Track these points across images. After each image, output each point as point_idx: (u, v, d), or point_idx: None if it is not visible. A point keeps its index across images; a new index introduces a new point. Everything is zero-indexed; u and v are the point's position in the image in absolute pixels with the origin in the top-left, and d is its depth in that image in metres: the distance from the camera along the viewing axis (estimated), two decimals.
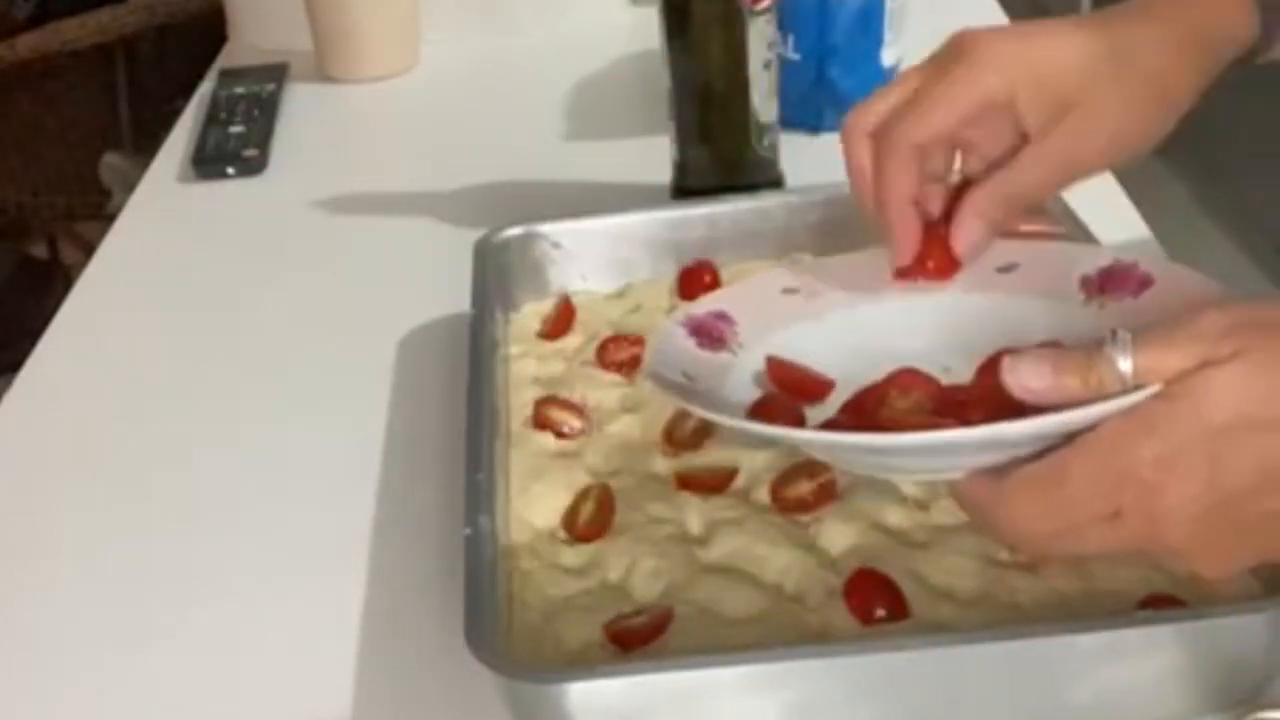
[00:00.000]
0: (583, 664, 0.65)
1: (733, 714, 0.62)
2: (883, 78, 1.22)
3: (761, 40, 1.01)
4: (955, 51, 0.69)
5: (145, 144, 1.82)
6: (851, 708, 0.62)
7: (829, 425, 0.67)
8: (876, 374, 0.70)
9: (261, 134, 1.31)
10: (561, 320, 0.92)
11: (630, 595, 0.69)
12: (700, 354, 0.70)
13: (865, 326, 0.73)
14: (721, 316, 0.73)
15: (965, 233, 0.71)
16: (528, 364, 0.88)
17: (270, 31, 1.54)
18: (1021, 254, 0.74)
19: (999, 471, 0.57)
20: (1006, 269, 0.74)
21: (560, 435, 0.81)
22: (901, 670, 0.61)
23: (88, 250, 1.20)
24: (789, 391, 0.70)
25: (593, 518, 0.74)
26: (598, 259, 0.95)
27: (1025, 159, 0.69)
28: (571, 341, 0.90)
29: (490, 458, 0.74)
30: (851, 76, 1.19)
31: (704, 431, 0.78)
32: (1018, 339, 0.66)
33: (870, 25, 1.19)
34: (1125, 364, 0.55)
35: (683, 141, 1.05)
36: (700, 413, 0.64)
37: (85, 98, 2.67)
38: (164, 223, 1.24)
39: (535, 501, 0.75)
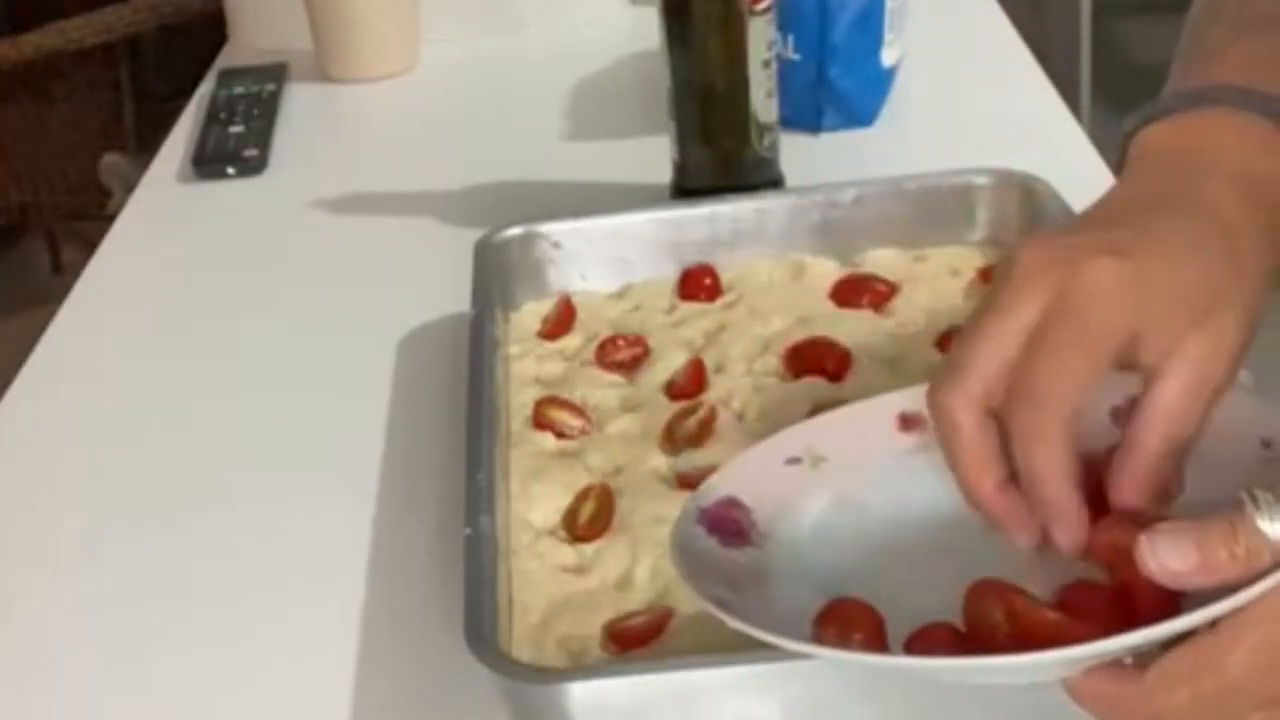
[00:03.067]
0: (583, 664, 0.65)
1: (733, 714, 0.62)
2: (883, 77, 1.22)
3: (761, 40, 1.01)
4: (1057, 289, 0.57)
5: (148, 143, 1.82)
6: (851, 708, 0.62)
7: (921, 642, 0.59)
8: (919, 552, 0.63)
9: (261, 134, 1.31)
10: (561, 320, 0.91)
11: (630, 595, 0.69)
12: (728, 554, 0.63)
13: (886, 497, 0.66)
14: (733, 504, 0.65)
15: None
16: (528, 364, 0.88)
17: (270, 31, 1.54)
18: None
19: (1124, 663, 0.52)
20: None
21: (560, 435, 0.81)
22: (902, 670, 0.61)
23: (88, 250, 1.20)
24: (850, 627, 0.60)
25: (593, 518, 0.74)
26: (598, 259, 0.95)
27: (1161, 392, 0.57)
28: (571, 341, 0.90)
29: (490, 458, 0.74)
30: (851, 76, 1.19)
31: (704, 431, 0.78)
32: None
33: (870, 25, 1.19)
34: (1273, 530, 0.50)
35: (683, 141, 1.05)
36: (785, 644, 0.55)
37: (88, 97, 2.67)
38: (164, 223, 1.24)
39: (535, 501, 0.75)
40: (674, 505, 0.74)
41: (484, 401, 0.79)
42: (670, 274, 0.94)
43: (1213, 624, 0.51)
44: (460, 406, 0.79)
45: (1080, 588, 0.59)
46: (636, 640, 0.66)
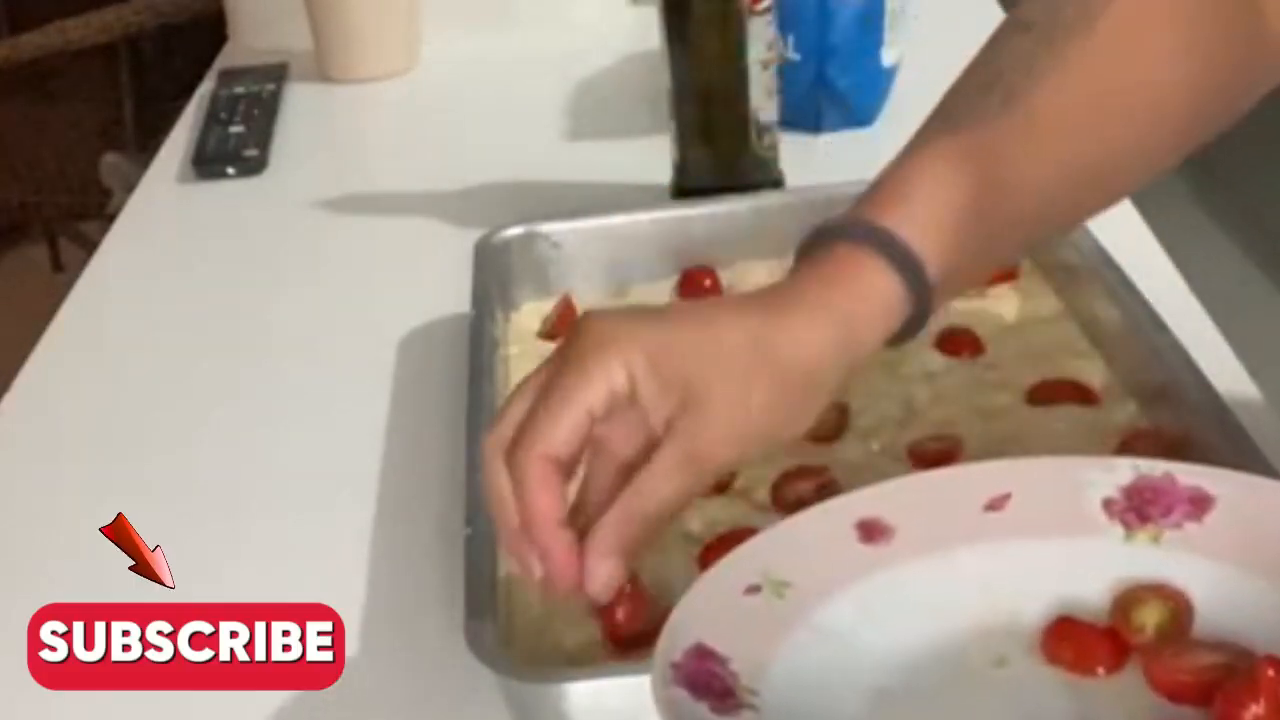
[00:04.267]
0: (583, 664, 0.65)
1: None
2: (883, 77, 1.22)
3: (761, 40, 1.01)
4: (578, 340, 0.60)
5: (149, 143, 1.82)
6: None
7: None
8: (922, 687, 0.57)
9: (261, 134, 1.31)
10: (561, 320, 0.92)
11: None
12: None
13: (868, 626, 0.60)
14: (705, 654, 0.57)
15: (598, 577, 0.59)
16: (528, 364, 0.87)
17: (270, 31, 1.54)
18: (1006, 480, 0.61)
19: None
20: (996, 505, 0.61)
21: None
22: None
23: (88, 250, 1.20)
24: None
25: (593, 518, 0.74)
26: (598, 259, 0.95)
27: (652, 466, 0.59)
28: None
29: None
30: (851, 76, 1.20)
31: None
32: (1070, 604, 0.56)
33: (870, 25, 1.19)
34: None
35: (683, 141, 1.05)
36: None
37: (88, 97, 2.67)
38: (164, 223, 1.24)
39: None
40: None
41: (484, 401, 0.79)
42: (670, 274, 0.94)
43: None
44: (460, 406, 0.79)
45: None
46: (637, 641, 0.66)
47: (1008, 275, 0.90)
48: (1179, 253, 0.98)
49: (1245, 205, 2.73)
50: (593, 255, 0.95)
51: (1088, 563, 0.58)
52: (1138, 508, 0.59)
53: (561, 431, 0.58)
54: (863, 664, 0.58)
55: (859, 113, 1.21)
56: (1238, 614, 0.55)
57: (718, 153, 1.05)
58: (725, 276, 0.94)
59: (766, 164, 1.06)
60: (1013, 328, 0.87)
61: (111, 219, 1.26)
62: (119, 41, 2.57)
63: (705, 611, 0.59)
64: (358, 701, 0.69)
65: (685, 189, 1.06)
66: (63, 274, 2.82)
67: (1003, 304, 0.88)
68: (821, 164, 1.12)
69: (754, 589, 0.60)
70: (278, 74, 1.43)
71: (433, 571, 0.76)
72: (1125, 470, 0.60)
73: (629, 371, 0.58)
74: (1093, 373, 0.81)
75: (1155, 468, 0.59)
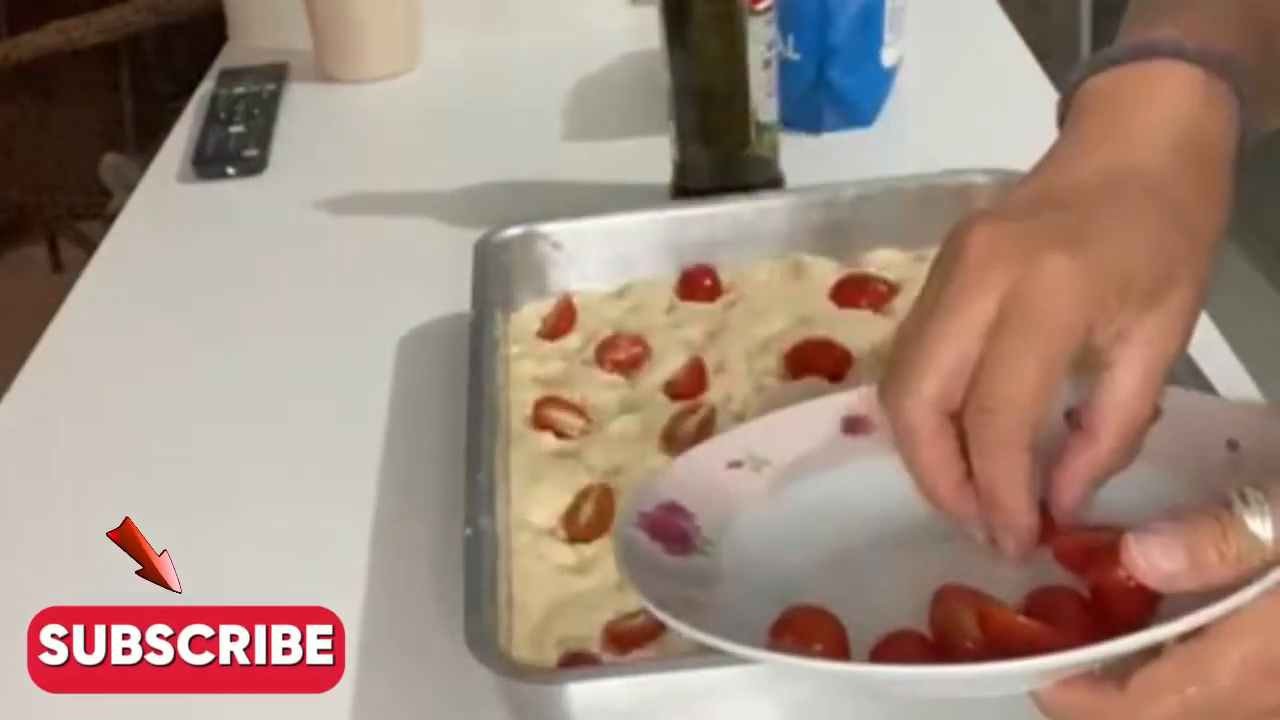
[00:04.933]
0: (583, 664, 0.65)
1: (733, 714, 0.62)
2: (883, 78, 1.22)
3: (761, 40, 1.01)
4: (1012, 286, 0.55)
5: (149, 143, 1.82)
6: (851, 708, 0.62)
7: (888, 651, 0.57)
8: (873, 559, 0.62)
9: (261, 134, 1.31)
10: (561, 320, 0.91)
11: (630, 595, 0.69)
12: (674, 562, 0.61)
13: (835, 502, 0.64)
14: (674, 509, 0.63)
15: (1070, 500, 0.58)
16: (528, 364, 0.88)
17: (270, 31, 1.54)
18: None
19: (1103, 672, 0.50)
20: None
21: (560, 435, 0.81)
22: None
23: (88, 250, 1.20)
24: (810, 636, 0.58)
25: (593, 518, 0.74)
26: (598, 259, 0.95)
27: (1116, 373, 0.56)
28: (571, 341, 0.90)
29: (490, 458, 0.74)
30: (851, 76, 1.19)
31: (704, 431, 0.78)
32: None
33: (870, 25, 1.19)
34: (1264, 530, 0.48)
35: (683, 141, 1.05)
36: (745, 653, 0.53)
37: (88, 97, 2.67)
38: (164, 223, 1.24)
39: (535, 501, 0.75)
40: None
41: (484, 401, 0.79)
42: (670, 274, 0.94)
43: (1198, 630, 0.49)
44: (460, 406, 0.79)
45: (1048, 593, 0.57)
46: (636, 640, 0.66)
47: None
48: None
49: (1246, 207, 2.72)
50: (593, 255, 0.95)
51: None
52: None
53: (1043, 398, 0.55)
54: (820, 532, 0.63)
55: (859, 113, 1.21)
56: (1142, 499, 0.58)
57: (718, 153, 1.05)
58: (725, 276, 0.94)
59: (766, 164, 1.06)
60: None
61: (111, 219, 1.26)
62: (119, 41, 2.57)
63: (685, 476, 0.65)
64: (357, 702, 0.69)
65: (685, 189, 1.06)
66: (63, 274, 2.83)
67: None
68: (821, 164, 1.12)
69: (735, 464, 0.66)
70: (278, 74, 1.43)
71: (433, 571, 0.76)
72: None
73: (1090, 325, 0.55)
74: None
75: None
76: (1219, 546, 0.49)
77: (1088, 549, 0.57)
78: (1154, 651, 0.50)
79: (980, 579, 0.58)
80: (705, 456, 0.67)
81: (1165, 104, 0.61)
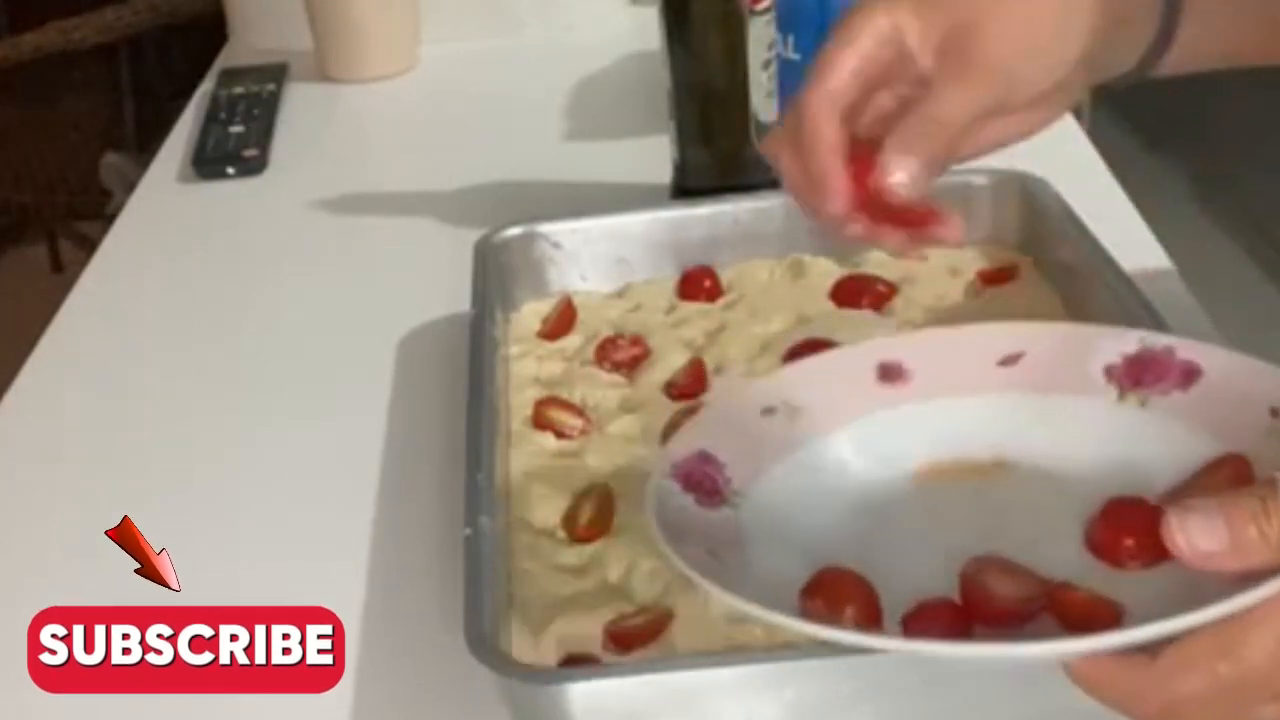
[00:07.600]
0: (583, 664, 0.65)
1: (733, 714, 0.62)
2: None
3: (761, 40, 1.01)
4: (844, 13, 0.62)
5: (149, 143, 1.83)
6: (852, 708, 0.62)
7: (920, 619, 0.57)
8: (905, 517, 0.63)
9: (261, 134, 1.31)
10: (561, 320, 0.92)
11: (630, 595, 0.69)
12: (704, 515, 0.61)
13: (867, 454, 0.65)
14: (705, 459, 0.64)
15: (893, 170, 0.59)
16: (528, 364, 0.88)
17: (270, 31, 1.54)
18: (1023, 341, 0.67)
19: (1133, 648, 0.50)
20: (1009, 361, 0.66)
21: (560, 435, 0.81)
22: (904, 670, 0.61)
23: (88, 250, 1.20)
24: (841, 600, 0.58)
25: (593, 518, 0.74)
26: (598, 259, 0.95)
27: (933, 80, 0.60)
28: (571, 341, 0.90)
29: (490, 458, 0.74)
30: None
31: None
32: (1050, 453, 0.61)
33: None
34: None
35: (683, 141, 1.05)
36: (777, 620, 0.53)
37: (88, 97, 2.67)
38: (164, 223, 1.24)
39: (535, 501, 0.75)
40: None
41: (484, 401, 0.79)
42: (670, 274, 0.94)
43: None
44: (460, 406, 0.79)
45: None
46: (636, 640, 0.66)
47: (1008, 275, 0.91)
48: (1180, 254, 0.98)
49: (1247, 207, 2.73)
50: (593, 255, 0.95)
51: (1076, 417, 0.64)
52: (1135, 374, 0.64)
53: (834, 73, 0.60)
54: (847, 487, 0.63)
55: None
56: (1177, 459, 0.60)
57: (718, 153, 1.05)
58: (725, 276, 0.94)
59: (766, 164, 1.05)
60: None
61: (111, 219, 1.26)
62: (119, 41, 2.57)
63: (718, 424, 0.66)
64: (357, 702, 0.69)
65: (685, 189, 1.06)
66: (63, 274, 2.83)
67: (1003, 303, 0.88)
68: None
69: (770, 410, 0.66)
70: (278, 74, 1.43)
71: (433, 571, 0.76)
72: (1132, 341, 0.65)
73: (892, 19, 0.60)
74: None
75: (1159, 340, 0.64)
76: (1259, 524, 0.49)
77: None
78: None
79: (1006, 541, 0.58)
80: (741, 401, 0.68)
81: None
